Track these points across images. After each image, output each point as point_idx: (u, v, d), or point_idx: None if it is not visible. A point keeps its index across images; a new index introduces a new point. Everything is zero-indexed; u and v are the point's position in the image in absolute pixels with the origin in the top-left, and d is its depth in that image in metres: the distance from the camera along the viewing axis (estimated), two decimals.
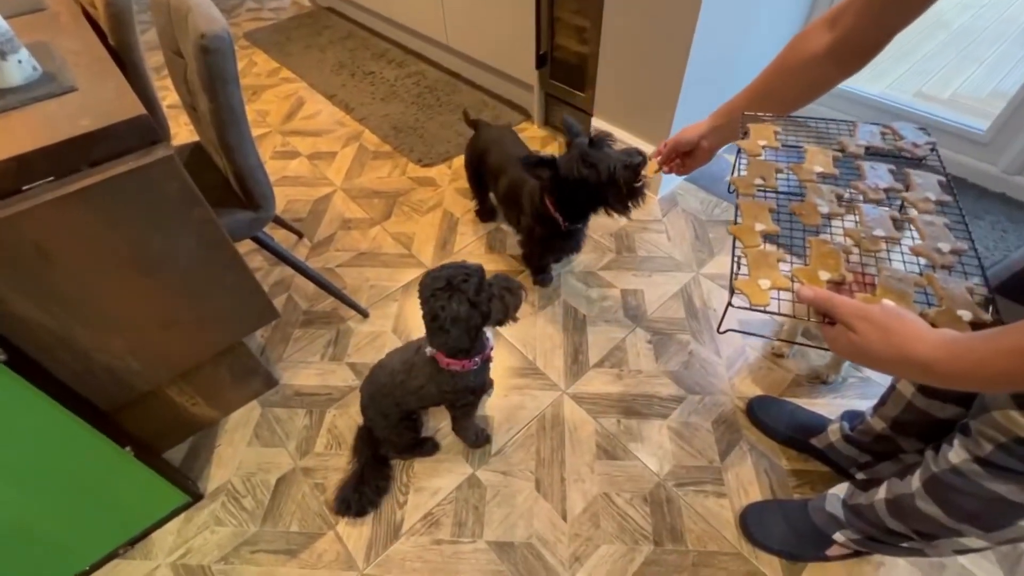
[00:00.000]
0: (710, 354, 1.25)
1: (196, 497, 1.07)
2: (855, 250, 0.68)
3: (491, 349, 0.93)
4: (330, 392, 1.24)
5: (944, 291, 0.61)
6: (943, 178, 0.77)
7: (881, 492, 0.77)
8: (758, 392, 1.17)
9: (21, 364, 0.73)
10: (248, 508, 1.06)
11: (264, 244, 1.16)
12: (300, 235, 1.62)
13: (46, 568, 0.93)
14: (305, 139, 2.03)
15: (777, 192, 0.79)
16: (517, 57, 1.83)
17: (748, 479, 1.05)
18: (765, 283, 0.65)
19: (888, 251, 0.69)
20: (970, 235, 0.69)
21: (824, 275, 0.64)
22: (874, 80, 2.06)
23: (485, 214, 1.62)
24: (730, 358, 1.25)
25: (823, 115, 1.81)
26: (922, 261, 0.67)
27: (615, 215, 1.10)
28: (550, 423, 1.15)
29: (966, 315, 0.58)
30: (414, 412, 1.04)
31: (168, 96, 2.25)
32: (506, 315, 0.82)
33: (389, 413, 0.99)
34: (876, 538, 0.81)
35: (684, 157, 0.95)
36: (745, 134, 0.86)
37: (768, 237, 0.72)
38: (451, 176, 1.80)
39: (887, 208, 0.74)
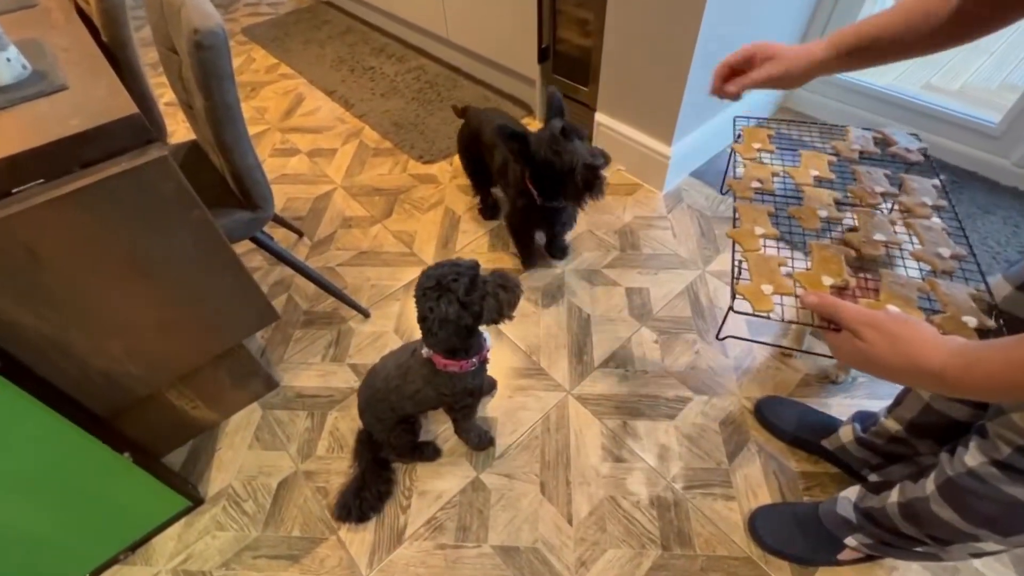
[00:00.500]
0: (717, 354, 1.23)
1: (197, 501, 1.05)
2: (854, 254, 0.68)
3: (488, 350, 0.91)
4: (332, 394, 1.22)
5: (948, 296, 0.60)
6: (938, 182, 0.77)
7: (893, 496, 0.75)
8: (766, 393, 1.15)
9: (15, 371, 0.72)
10: (249, 512, 1.05)
11: (263, 244, 1.15)
12: (300, 234, 1.60)
13: (46, 574, 0.92)
14: (304, 136, 2.01)
15: (775, 195, 0.79)
16: (519, 51, 1.80)
17: (757, 481, 1.03)
18: (768, 288, 0.64)
19: (888, 255, 0.69)
20: (968, 240, 0.69)
21: (827, 280, 0.64)
22: (882, 72, 2.02)
23: (487, 210, 1.59)
24: (738, 358, 1.23)
25: (830, 108, 1.79)
26: (923, 267, 0.67)
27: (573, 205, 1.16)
28: (555, 425, 1.14)
29: (971, 321, 0.57)
30: (411, 416, 1.02)
31: (166, 94, 2.22)
32: (500, 314, 0.79)
33: (385, 418, 0.98)
34: (889, 542, 0.79)
35: (764, 62, 0.71)
36: (738, 137, 0.88)
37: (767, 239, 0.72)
38: (452, 173, 1.78)
39: (885, 212, 0.74)
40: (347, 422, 1.16)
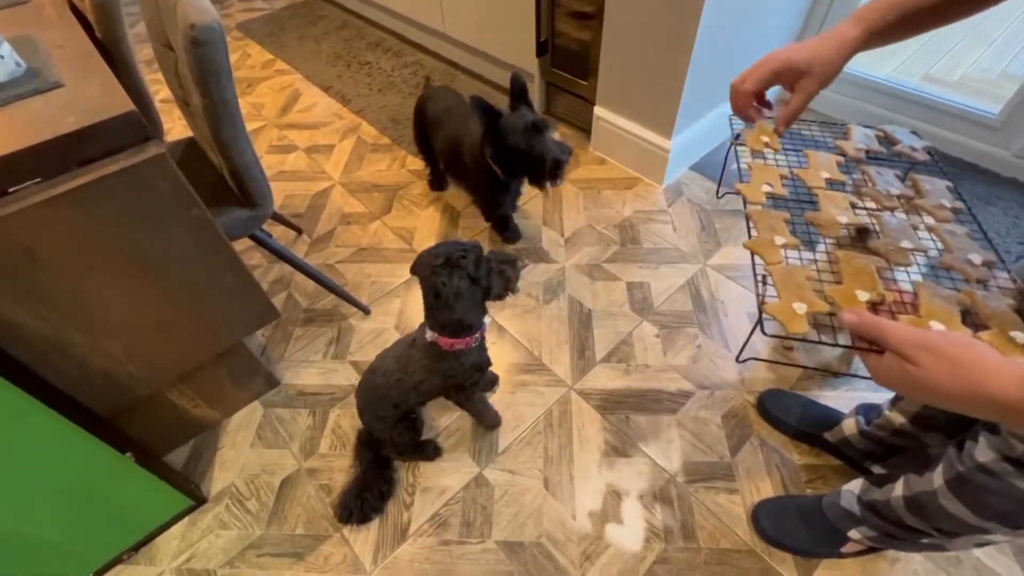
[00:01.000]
0: (719, 347, 1.23)
1: (199, 501, 1.05)
2: (886, 265, 0.64)
3: (487, 327, 0.93)
4: (333, 391, 1.22)
5: (989, 310, 0.56)
6: (949, 183, 0.74)
7: (898, 489, 0.75)
8: (768, 386, 1.15)
9: (15, 372, 0.71)
10: (252, 511, 1.04)
11: (262, 242, 1.14)
12: (299, 231, 1.59)
13: (50, 575, 0.92)
14: (302, 132, 1.99)
15: (787, 200, 0.75)
16: (517, 45, 1.79)
17: (760, 474, 1.03)
18: (801, 308, 0.58)
19: (916, 262, 0.65)
20: (993, 245, 0.65)
21: (863, 295, 0.59)
22: (881, 62, 2.02)
23: (436, 181, 1.66)
24: (755, 357, 1.22)
25: (829, 99, 1.78)
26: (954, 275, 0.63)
27: (534, 187, 1.27)
28: (557, 420, 1.13)
29: (1020, 337, 0.53)
30: (412, 411, 1.02)
31: (161, 90, 2.20)
32: (507, 288, 0.82)
33: (386, 416, 0.97)
34: (893, 535, 0.79)
35: (797, 80, 0.64)
36: (737, 137, 0.85)
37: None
38: None
39: (904, 216, 0.71)
40: (349, 419, 1.16)
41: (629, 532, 0.97)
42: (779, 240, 0.67)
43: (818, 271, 0.64)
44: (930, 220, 0.71)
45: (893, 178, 0.77)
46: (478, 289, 0.81)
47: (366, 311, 1.36)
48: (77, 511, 0.88)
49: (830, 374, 1.17)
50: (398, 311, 1.37)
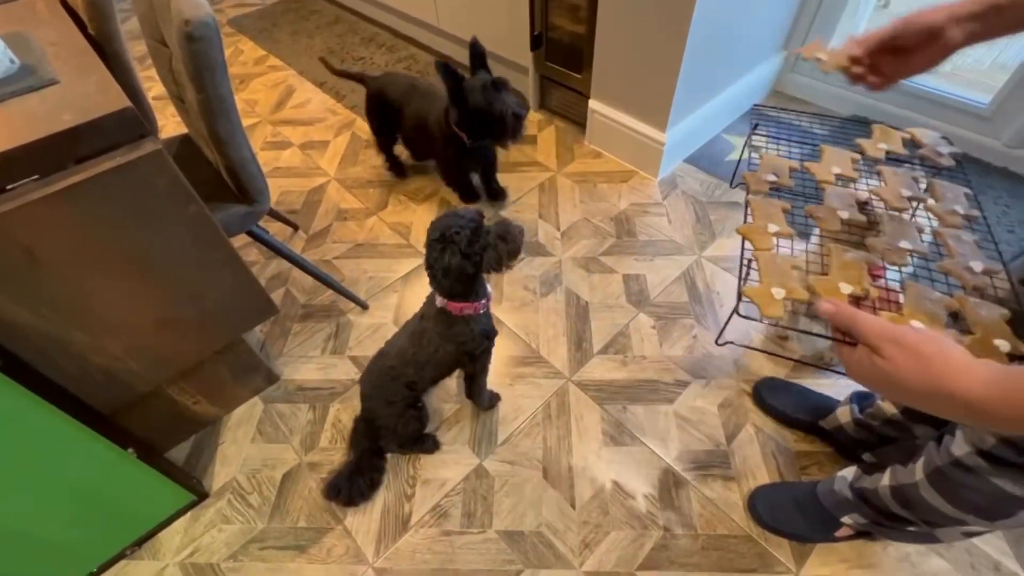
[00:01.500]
0: (714, 338, 1.24)
1: (201, 496, 1.06)
2: (879, 262, 0.63)
3: (490, 297, 0.95)
4: (333, 386, 1.22)
5: (978, 317, 0.55)
6: (969, 190, 0.72)
7: (885, 479, 0.76)
8: (763, 375, 1.17)
9: (16, 370, 0.72)
10: (255, 505, 1.05)
11: (259, 238, 1.14)
12: (295, 227, 1.59)
13: (53, 571, 0.92)
14: (296, 128, 1.99)
15: (792, 192, 0.73)
16: (511, 39, 1.79)
17: (756, 462, 1.05)
18: (779, 292, 0.58)
19: (914, 266, 0.63)
20: (1001, 255, 0.63)
21: (846, 288, 0.58)
22: None
23: (394, 168, 1.71)
24: (734, 341, 1.24)
25: (824, 92, 1.79)
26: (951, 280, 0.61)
27: (498, 146, 1.39)
28: (556, 411, 1.15)
29: (1004, 346, 0.52)
30: (420, 400, 1.03)
31: (154, 87, 2.19)
32: (499, 263, 0.83)
33: (396, 400, 0.98)
34: (882, 523, 0.80)
35: (900, 55, 0.62)
36: (755, 126, 0.81)
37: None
38: None
39: (911, 218, 0.69)
40: (349, 414, 1.17)
41: (627, 520, 0.99)
42: (772, 228, 0.67)
43: (807, 262, 0.63)
44: (938, 225, 0.68)
45: (910, 180, 0.74)
46: (469, 264, 0.82)
47: (364, 306, 1.37)
48: (79, 507, 0.89)
49: (811, 366, 1.17)
50: (396, 306, 1.37)
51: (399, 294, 1.40)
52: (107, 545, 0.97)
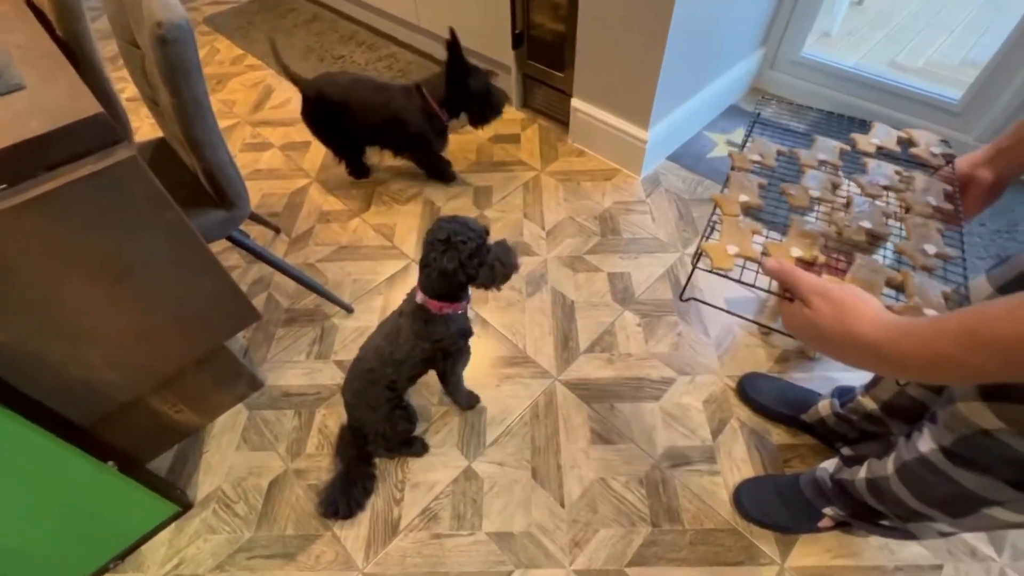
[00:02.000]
0: (698, 334, 1.26)
1: (186, 506, 1.04)
2: (835, 234, 0.67)
3: (469, 300, 0.96)
4: (318, 391, 1.21)
5: (916, 289, 0.58)
6: (949, 188, 0.73)
7: (862, 471, 0.77)
8: (747, 370, 1.19)
9: None
10: (241, 514, 1.04)
11: (240, 243, 1.12)
12: (277, 230, 1.57)
13: None
14: (276, 129, 1.95)
15: (774, 172, 0.78)
16: (492, 37, 1.78)
17: (740, 456, 1.07)
18: (733, 249, 0.64)
19: (870, 245, 0.67)
20: (962, 243, 0.66)
21: (795, 251, 0.63)
22: (850, 49, 2.06)
23: (358, 170, 1.69)
24: (718, 337, 1.26)
25: (800, 88, 1.82)
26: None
27: (476, 125, 1.50)
28: (543, 411, 1.15)
29: (932, 314, 0.55)
30: (403, 399, 1.02)
31: (127, 88, 2.13)
32: (492, 282, 0.86)
33: (379, 405, 0.98)
34: (859, 515, 0.82)
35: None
36: (759, 115, 0.85)
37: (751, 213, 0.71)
38: None
39: (882, 204, 0.72)
40: (335, 419, 1.16)
41: (616, 517, 1.00)
42: (743, 198, 0.72)
43: (767, 230, 0.68)
44: (906, 212, 0.71)
45: (892, 172, 0.77)
46: (463, 273, 0.83)
47: (349, 310, 1.36)
48: (60, 522, 0.87)
49: (758, 325, 1.26)
50: (381, 308, 1.36)
51: (384, 296, 1.39)
52: (90, 560, 0.95)
